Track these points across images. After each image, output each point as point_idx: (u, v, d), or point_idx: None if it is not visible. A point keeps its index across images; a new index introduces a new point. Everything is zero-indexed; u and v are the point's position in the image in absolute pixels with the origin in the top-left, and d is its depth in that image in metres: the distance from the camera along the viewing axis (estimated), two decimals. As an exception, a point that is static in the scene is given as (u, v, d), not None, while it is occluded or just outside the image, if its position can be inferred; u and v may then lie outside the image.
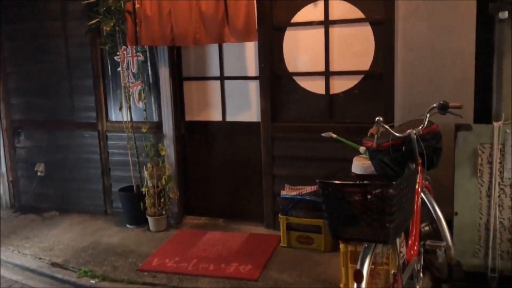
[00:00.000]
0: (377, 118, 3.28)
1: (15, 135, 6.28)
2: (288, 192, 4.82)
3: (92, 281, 4.36)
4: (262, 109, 5.03)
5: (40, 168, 6.14)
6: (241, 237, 5.03)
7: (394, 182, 2.30)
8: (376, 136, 3.32)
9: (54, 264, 4.76)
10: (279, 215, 4.77)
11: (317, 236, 4.63)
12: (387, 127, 3.30)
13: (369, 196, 2.31)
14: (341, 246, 3.70)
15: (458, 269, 3.78)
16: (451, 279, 3.69)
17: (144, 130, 5.31)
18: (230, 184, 5.48)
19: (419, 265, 3.23)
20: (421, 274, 3.22)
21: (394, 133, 3.31)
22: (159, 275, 4.39)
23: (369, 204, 2.30)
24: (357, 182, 2.70)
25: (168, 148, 5.37)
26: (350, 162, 4.41)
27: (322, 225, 4.56)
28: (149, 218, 5.33)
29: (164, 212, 5.33)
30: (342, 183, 2.44)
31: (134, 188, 5.49)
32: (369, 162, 3.62)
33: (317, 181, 2.52)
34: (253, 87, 5.17)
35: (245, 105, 5.26)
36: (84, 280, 4.40)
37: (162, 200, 5.29)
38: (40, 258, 4.89)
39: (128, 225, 5.50)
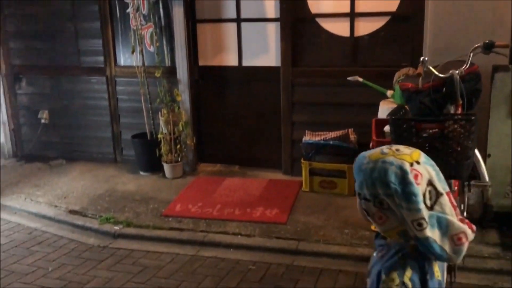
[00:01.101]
0: (422, 58, 3.22)
1: (16, 81, 5.99)
2: (310, 138, 4.76)
3: (116, 227, 4.28)
4: (283, 53, 4.90)
5: (44, 115, 5.91)
6: (261, 183, 5.00)
7: (473, 118, 2.26)
8: (421, 76, 3.26)
9: (72, 212, 4.65)
10: (302, 160, 4.73)
11: (341, 180, 4.63)
12: (430, 68, 3.24)
13: (446, 132, 2.26)
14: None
15: (489, 210, 3.84)
16: (485, 219, 3.76)
17: (157, 74, 5.13)
18: (246, 131, 5.39)
19: (462, 205, 3.25)
20: (465, 213, 3.25)
21: (437, 73, 3.25)
22: (184, 220, 4.34)
23: (447, 140, 2.25)
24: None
25: (183, 94, 5.22)
26: (374, 107, 4.37)
27: (346, 170, 4.55)
28: (164, 165, 5.23)
29: (180, 159, 5.23)
30: (418, 119, 2.38)
31: (148, 134, 5.36)
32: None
33: (390, 118, 2.45)
34: (272, 29, 5.01)
35: (263, 49, 5.11)
36: (107, 227, 4.32)
37: (178, 146, 5.18)
38: (56, 206, 4.77)
39: (141, 172, 5.40)
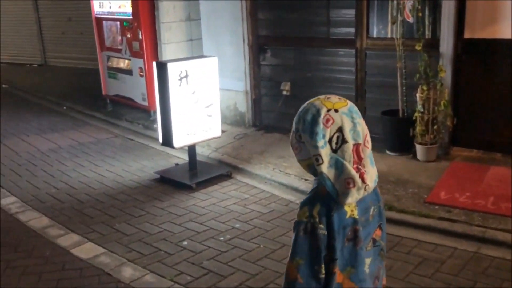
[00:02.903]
0: None
1: (261, 52, 6.09)
2: None
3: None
4: None
5: (286, 87, 5.92)
6: (538, 176, 4.32)
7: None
8: None
9: (324, 187, 4.54)
10: None
11: None
12: None
13: None
14: None
15: None
16: None
17: (418, 48, 4.69)
18: (514, 114, 4.71)
19: None
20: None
21: None
22: (453, 210, 3.92)
23: None
24: None
25: (445, 69, 4.72)
26: None
27: None
28: (417, 146, 4.83)
29: (436, 141, 4.78)
30: None
31: (400, 112, 5.00)
32: None
33: None
34: None
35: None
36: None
37: (435, 127, 4.73)
38: (306, 180, 4.71)
39: (388, 152, 5.08)
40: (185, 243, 3.79)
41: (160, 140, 4.94)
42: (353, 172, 1.44)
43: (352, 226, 1.50)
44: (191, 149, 5.02)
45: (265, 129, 6.16)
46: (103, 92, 7.74)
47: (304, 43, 5.71)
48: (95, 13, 7.48)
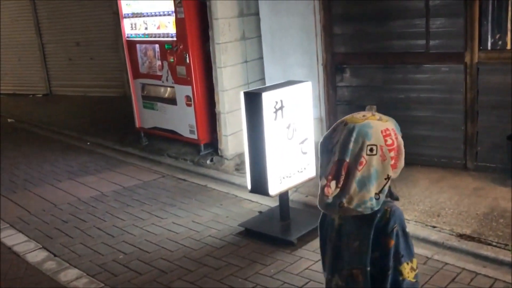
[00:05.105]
0: None
1: (338, 72, 5.24)
2: None
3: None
4: None
5: (372, 111, 5.06)
6: None
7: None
8: None
9: (463, 236, 3.69)
10: None
11: None
12: None
13: None
14: None
15: None
16: None
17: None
18: None
19: None
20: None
21: None
22: None
23: None
24: None
25: None
26: None
27: None
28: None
29: None
30: None
31: (533, 137, 4.19)
32: None
33: None
34: None
35: None
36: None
37: None
38: (434, 227, 3.85)
39: (517, 185, 4.25)
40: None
41: (249, 187, 4.03)
42: (322, 182, 1.54)
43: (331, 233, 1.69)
44: (283, 195, 4.13)
45: (346, 161, 5.29)
46: (137, 125, 6.79)
47: (394, 59, 4.88)
48: (126, 35, 6.56)
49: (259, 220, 4.34)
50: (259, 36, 5.75)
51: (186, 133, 6.09)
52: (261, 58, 5.82)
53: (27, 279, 3.69)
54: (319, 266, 3.54)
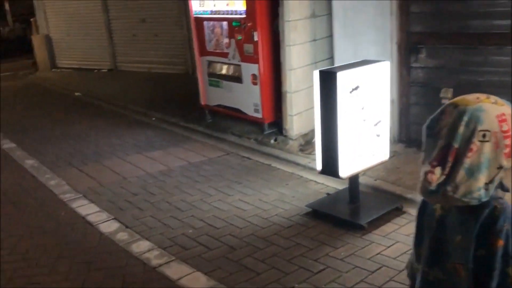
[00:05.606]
0: None
1: (412, 52, 5.04)
2: None
3: None
4: None
5: (447, 94, 4.84)
6: None
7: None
8: None
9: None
10: None
11: None
12: None
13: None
14: None
15: None
16: None
17: None
18: None
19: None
20: None
21: None
22: None
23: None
24: None
25: None
26: None
27: None
28: None
29: None
30: None
31: None
32: None
33: None
34: None
35: None
36: None
37: None
38: None
39: None
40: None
41: (319, 168, 3.97)
42: (425, 167, 1.42)
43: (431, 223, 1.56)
44: (354, 177, 4.04)
45: (417, 145, 5.11)
46: (202, 102, 6.84)
47: (474, 40, 4.63)
48: (194, 12, 6.57)
49: (327, 201, 4.28)
50: (328, 14, 5.61)
51: (250, 112, 6.08)
52: (329, 36, 5.69)
53: (101, 248, 3.81)
54: (391, 252, 3.48)
